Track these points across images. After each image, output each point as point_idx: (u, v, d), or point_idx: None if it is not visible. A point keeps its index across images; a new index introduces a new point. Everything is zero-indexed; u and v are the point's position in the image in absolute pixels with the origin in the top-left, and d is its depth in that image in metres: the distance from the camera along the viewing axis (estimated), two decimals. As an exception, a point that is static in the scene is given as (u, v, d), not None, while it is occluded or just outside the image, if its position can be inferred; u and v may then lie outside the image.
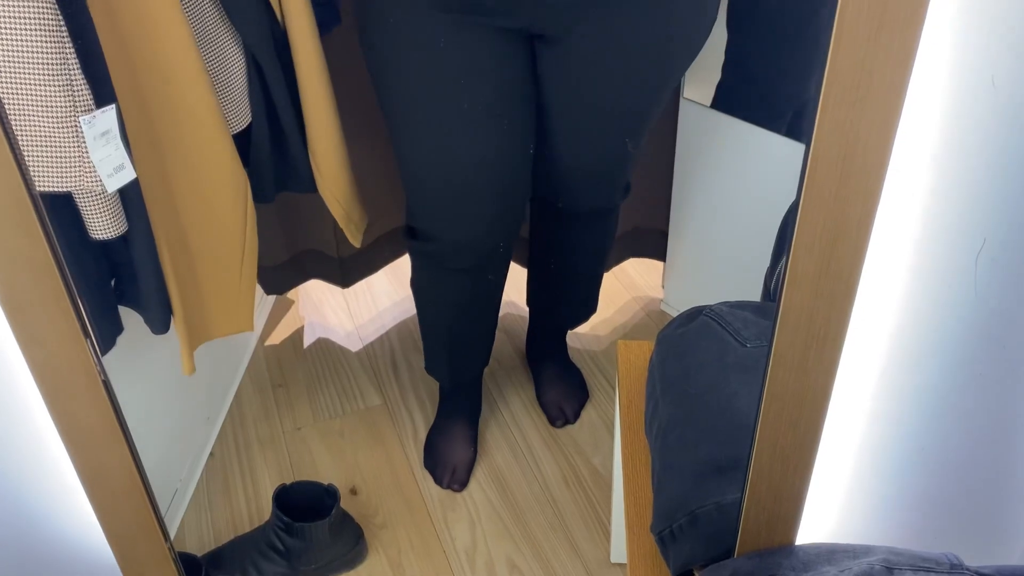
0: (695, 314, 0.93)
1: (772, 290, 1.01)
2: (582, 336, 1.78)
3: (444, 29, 1.06)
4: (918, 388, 0.67)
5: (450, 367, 1.47)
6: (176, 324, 1.13)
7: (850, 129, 0.51)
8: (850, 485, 0.74)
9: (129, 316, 1.13)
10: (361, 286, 1.85)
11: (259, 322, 1.83)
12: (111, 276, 1.10)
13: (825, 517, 0.75)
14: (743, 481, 0.71)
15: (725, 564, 0.74)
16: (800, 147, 1.39)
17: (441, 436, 1.53)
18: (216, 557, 1.33)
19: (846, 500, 0.75)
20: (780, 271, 1.00)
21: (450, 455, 1.50)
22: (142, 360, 1.28)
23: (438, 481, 1.49)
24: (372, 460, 1.54)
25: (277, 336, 1.82)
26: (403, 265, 1.37)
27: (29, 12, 0.82)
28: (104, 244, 1.01)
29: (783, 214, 1.04)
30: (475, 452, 1.52)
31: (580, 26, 1.06)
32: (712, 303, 0.94)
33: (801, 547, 0.71)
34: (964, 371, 0.65)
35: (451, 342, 1.43)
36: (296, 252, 1.71)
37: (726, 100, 1.47)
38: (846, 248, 0.56)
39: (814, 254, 0.58)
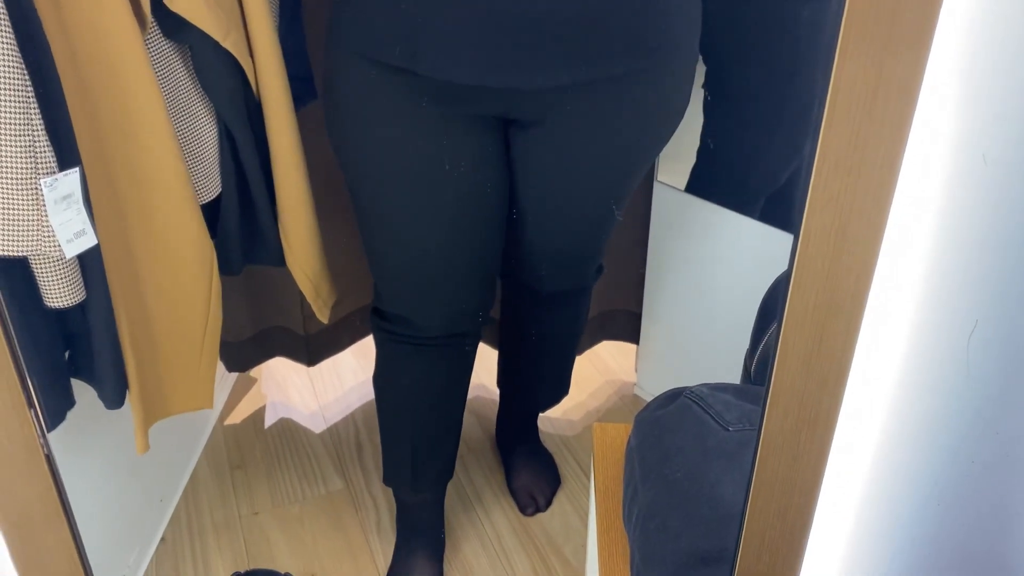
0: (675, 396, 0.90)
1: (752, 372, 0.99)
2: (554, 420, 1.73)
3: (415, 116, 1.02)
4: (912, 474, 0.64)
5: (413, 469, 1.34)
6: (131, 399, 1.08)
7: (844, 200, 0.50)
8: (840, 578, 0.71)
9: (81, 389, 1.07)
10: (327, 364, 1.80)
11: (220, 400, 1.76)
12: (65, 347, 1.05)
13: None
14: (728, 573, 0.67)
15: None
16: (773, 231, 1.40)
17: None
18: (160, 652, 1.25)
19: (836, 594, 0.71)
20: (761, 351, 0.98)
21: None
22: (93, 437, 1.21)
23: None
24: (332, 548, 1.47)
25: (237, 415, 1.75)
26: (370, 344, 1.34)
27: (-5, 71, 0.79)
28: (59, 313, 0.96)
29: (758, 297, 1.02)
30: None
31: (556, 111, 1.04)
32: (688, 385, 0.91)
33: None
34: (959, 456, 0.63)
35: (415, 436, 1.32)
36: (261, 328, 1.67)
37: (700, 184, 1.47)
38: (839, 325, 0.54)
39: (805, 331, 0.55)
